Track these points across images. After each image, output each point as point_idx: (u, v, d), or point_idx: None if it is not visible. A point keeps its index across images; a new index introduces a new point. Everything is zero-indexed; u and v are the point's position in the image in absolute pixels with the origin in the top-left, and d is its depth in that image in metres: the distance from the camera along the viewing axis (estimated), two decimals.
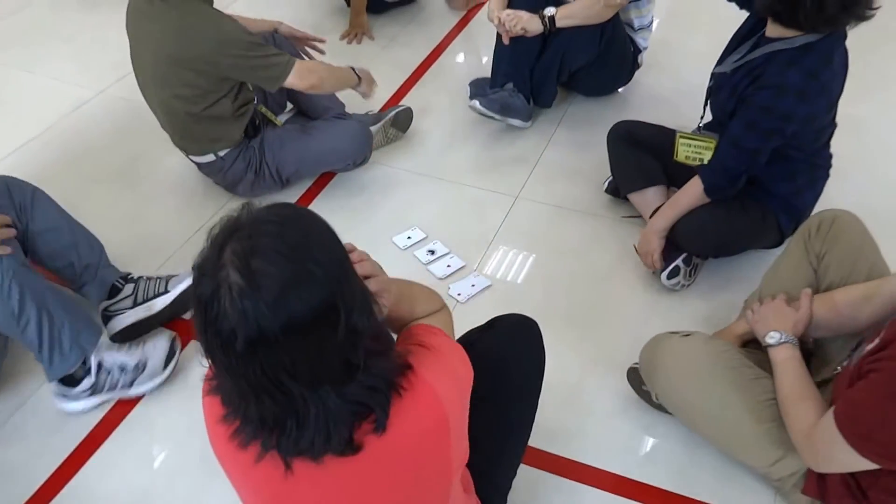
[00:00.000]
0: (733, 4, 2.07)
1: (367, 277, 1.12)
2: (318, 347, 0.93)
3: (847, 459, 1.33)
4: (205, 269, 0.93)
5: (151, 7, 2.20)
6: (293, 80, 2.30)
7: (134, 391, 1.97)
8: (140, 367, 1.96)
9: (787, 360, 1.58)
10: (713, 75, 2.14)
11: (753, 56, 1.94)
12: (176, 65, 2.22)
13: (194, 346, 2.04)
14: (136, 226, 2.51)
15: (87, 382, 1.91)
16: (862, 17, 1.76)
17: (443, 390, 1.06)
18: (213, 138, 2.40)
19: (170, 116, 2.39)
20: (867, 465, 1.32)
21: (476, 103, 2.68)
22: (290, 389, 0.94)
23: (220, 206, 2.58)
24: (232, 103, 2.33)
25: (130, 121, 2.96)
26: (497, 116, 2.69)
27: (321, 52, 2.76)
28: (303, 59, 2.56)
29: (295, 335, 0.91)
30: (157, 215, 2.57)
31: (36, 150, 2.87)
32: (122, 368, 1.94)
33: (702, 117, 2.23)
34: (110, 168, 2.76)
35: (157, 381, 1.98)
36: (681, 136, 2.19)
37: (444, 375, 1.09)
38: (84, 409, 1.95)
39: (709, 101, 2.18)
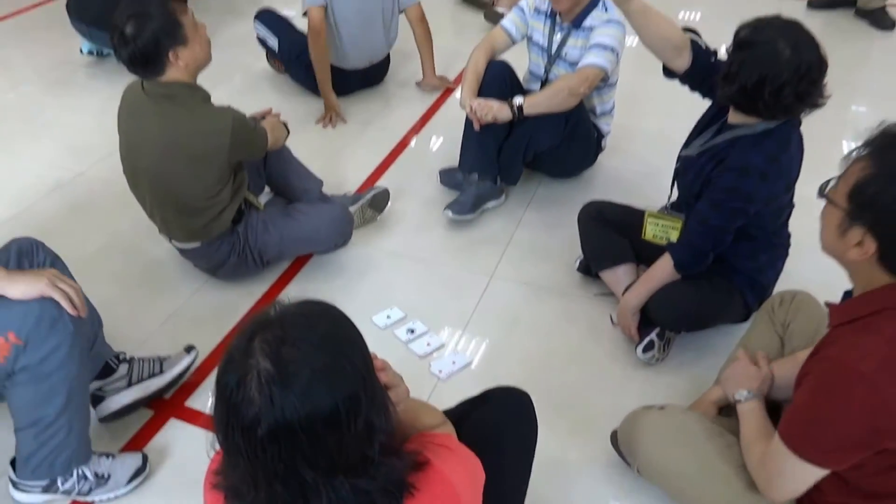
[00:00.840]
0: (692, 92, 2.21)
1: (387, 387, 1.15)
2: (337, 439, 0.96)
3: (794, 470, 1.37)
4: (233, 356, 0.97)
5: (155, 105, 2.26)
6: (270, 143, 2.51)
7: (90, 497, 1.89)
8: (103, 479, 1.89)
9: (751, 410, 1.67)
10: (680, 158, 2.26)
11: (717, 141, 2.08)
12: (188, 161, 2.27)
13: (181, 440, 2.07)
14: (111, 308, 2.51)
15: (45, 481, 1.84)
16: (815, 106, 1.91)
17: (459, 483, 1.10)
18: (206, 227, 2.43)
19: (166, 208, 2.41)
20: (815, 473, 1.36)
21: (449, 213, 2.81)
22: (304, 478, 0.97)
23: (195, 290, 2.61)
24: (230, 190, 2.39)
25: (108, 202, 3.01)
26: (473, 215, 2.83)
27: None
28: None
29: (318, 425, 0.94)
30: (133, 298, 2.58)
31: (12, 230, 2.88)
32: (84, 477, 1.87)
33: (669, 197, 2.35)
34: (86, 249, 2.77)
35: (117, 493, 1.91)
36: (649, 216, 2.31)
37: (460, 468, 1.13)
38: (33, 503, 1.87)
39: (675, 182, 2.31)
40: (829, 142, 3.25)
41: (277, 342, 0.96)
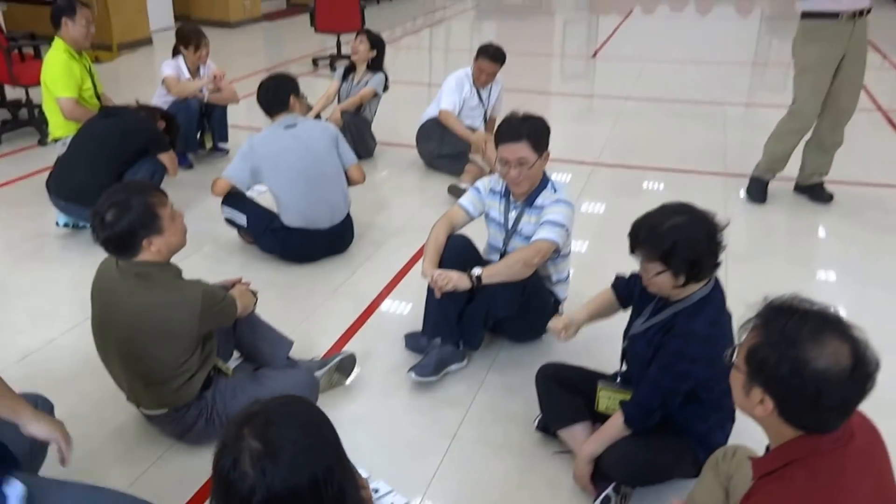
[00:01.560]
0: (635, 259, 2.42)
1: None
2: (317, 503, 1.18)
3: None
4: (226, 443, 1.20)
5: (127, 281, 2.38)
6: (238, 311, 2.63)
7: None
8: None
9: None
10: (627, 338, 2.47)
11: (663, 317, 2.29)
12: (158, 334, 2.37)
13: None
14: (76, 474, 2.51)
15: None
16: (714, 268, 2.20)
17: None
18: (174, 395, 2.50)
19: (134, 378, 2.48)
20: None
21: (413, 375, 2.93)
22: None
23: (159, 456, 2.63)
24: (199, 358, 2.48)
25: (75, 369, 3.04)
26: (436, 377, 2.94)
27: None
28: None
29: (303, 491, 1.17)
30: (97, 463, 2.58)
31: None
32: None
33: (619, 371, 2.54)
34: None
35: None
36: (601, 389, 2.49)
37: None
38: None
39: (624, 358, 2.50)
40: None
41: (263, 426, 1.19)
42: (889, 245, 4.27)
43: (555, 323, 2.66)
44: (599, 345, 3.11)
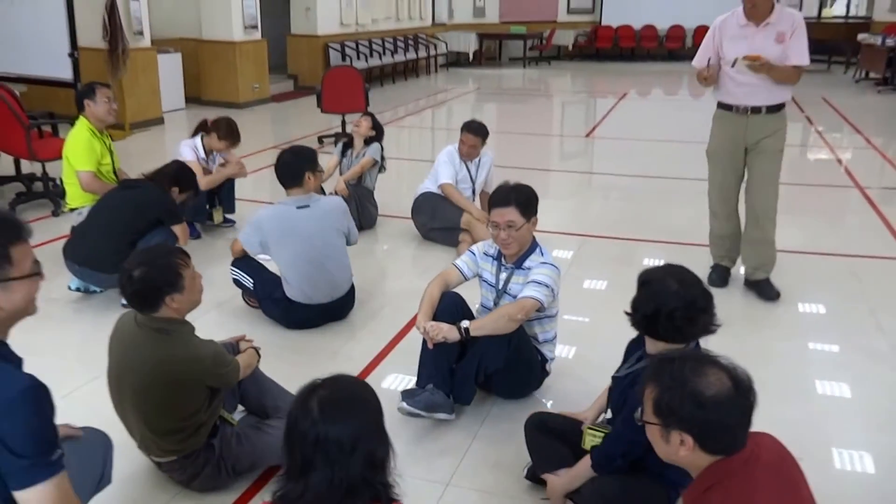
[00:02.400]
0: (627, 326, 2.59)
1: None
2: (349, 448, 1.58)
3: None
4: (302, 392, 1.65)
5: (145, 335, 2.59)
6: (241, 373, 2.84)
7: None
8: None
9: None
10: (613, 378, 2.64)
11: (639, 367, 2.47)
12: (170, 385, 2.55)
13: None
14: None
15: None
16: (707, 331, 2.34)
17: None
18: (183, 443, 2.66)
19: (147, 427, 2.63)
20: None
21: (404, 405, 3.08)
22: (339, 465, 1.57)
23: (167, 502, 2.75)
24: (206, 410, 2.66)
25: (88, 422, 3.18)
26: (424, 413, 3.08)
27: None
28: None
29: (346, 442, 1.57)
30: None
31: None
32: None
33: (606, 411, 2.70)
34: None
35: None
36: (588, 428, 2.65)
37: None
38: None
39: (609, 403, 2.67)
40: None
41: (332, 384, 1.66)
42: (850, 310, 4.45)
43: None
44: (588, 399, 3.24)
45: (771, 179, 4.45)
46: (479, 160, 5.64)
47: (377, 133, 5.99)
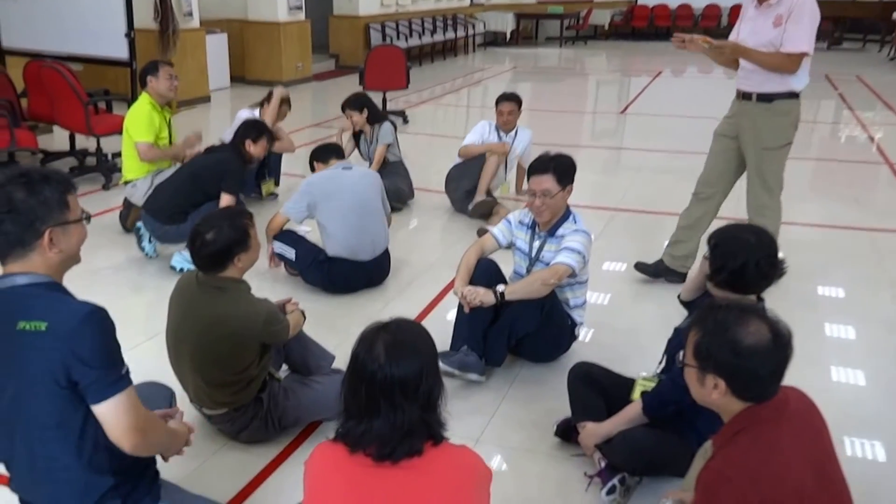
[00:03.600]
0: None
1: None
2: (415, 389, 1.69)
3: None
4: (366, 335, 1.73)
5: (205, 293, 2.77)
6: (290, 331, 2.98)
7: None
8: None
9: None
10: (675, 330, 2.75)
11: None
12: (226, 339, 2.73)
13: None
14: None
15: None
16: (783, 273, 2.54)
17: (468, 463, 1.80)
18: (234, 396, 2.85)
19: (202, 380, 2.82)
20: None
21: (438, 363, 3.23)
22: (401, 407, 1.67)
23: (215, 451, 2.95)
24: (258, 366, 2.84)
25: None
26: (457, 372, 3.24)
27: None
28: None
29: (408, 381, 1.68)
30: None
31: None
32: None
33: (660, 363, 2.81)
34: None
35: None
36: (640, 380, 2.76)
37: (470, 460, 1.82)
38: None
39: (666, 352, 2.77)
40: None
41: (395, 328, 1.74)
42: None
43: None
44: (615, 366, 3.40)
45: (753, 176, 4.21)
46: (517, 131, 5.73)
47: (369, 109, 5.94)
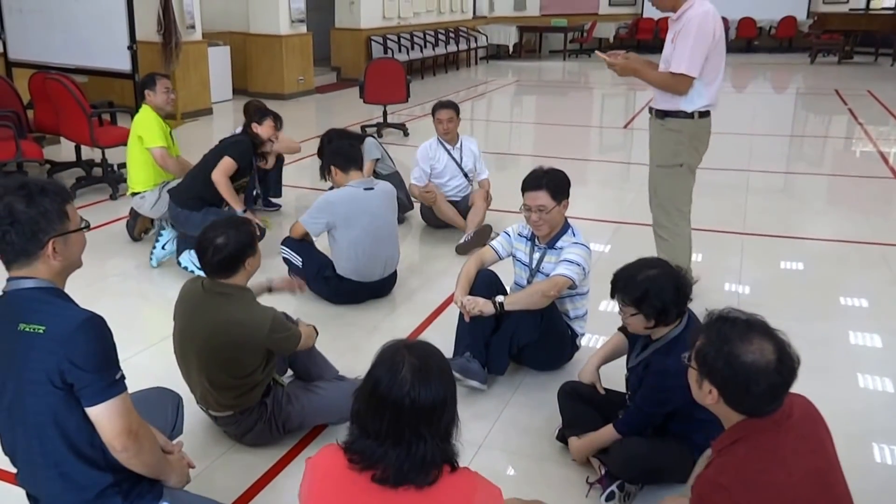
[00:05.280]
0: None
1: None
2: (437, 417, 1.67)
3: None
4: (385, 356, 1.70)
5: (211, 299, 2.83)
6: (300, 344, 2.99)
7: None
8: None
9: None
10: (628, 369, 2.86)
11: (647, 354, 2.69)
12: (231, 345, 2.77)
13: None
14: None
15: None
16: (679, 315, 2.61)
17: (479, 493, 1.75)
18: (239, 400, 2.90)
19: (208, 383, 2.86)
20: None
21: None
22: (422, 436, 1.64)
23: (221, 453, 3.00)
24: (262, 371, 2.89)
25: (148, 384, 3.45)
26: (458, 376, 3.27)
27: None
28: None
29: (431, 409, 1.65)
30: None
31: None
32: None
33: (627, 398, 2.87)
34: None
35: None
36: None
37: (485, 490, 1.78)
38: None
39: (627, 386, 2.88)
40: None
41: (420, 351, 1.71)
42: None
43: None
44: (612, 375, 3.45)
45: (650, 193, 4.17)
46: (461, 144, 5.58)
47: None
